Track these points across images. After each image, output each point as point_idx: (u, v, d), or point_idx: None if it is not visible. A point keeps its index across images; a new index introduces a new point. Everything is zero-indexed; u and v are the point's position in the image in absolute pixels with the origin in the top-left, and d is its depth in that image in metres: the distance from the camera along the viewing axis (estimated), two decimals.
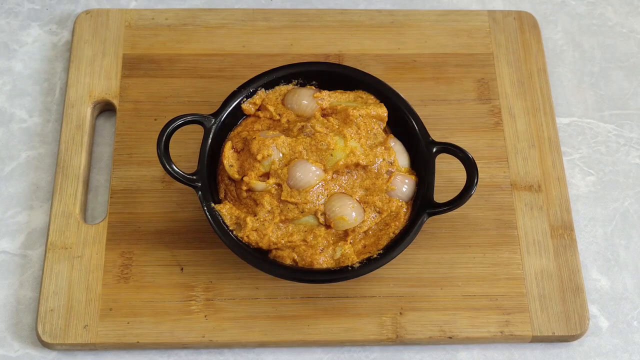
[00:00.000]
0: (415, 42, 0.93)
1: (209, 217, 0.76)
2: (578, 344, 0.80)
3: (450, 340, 0.78)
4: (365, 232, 0.78)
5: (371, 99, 0.82)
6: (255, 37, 0.92)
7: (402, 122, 0.81)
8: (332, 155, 0.77)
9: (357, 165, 0.78)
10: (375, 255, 0.76)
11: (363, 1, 0.98)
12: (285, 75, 0.83)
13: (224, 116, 0.80)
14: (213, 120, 0.79)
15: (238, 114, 0.82)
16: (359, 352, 0.79)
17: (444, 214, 0.78)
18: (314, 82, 0.83)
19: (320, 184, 0.77)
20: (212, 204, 0.77)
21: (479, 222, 0.83)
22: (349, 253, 0.76)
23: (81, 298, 0.78)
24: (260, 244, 0.76)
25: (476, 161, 0.78)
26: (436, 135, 0.85)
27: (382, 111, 0.80)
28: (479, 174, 0.78)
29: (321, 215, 0.77)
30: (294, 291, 0.79)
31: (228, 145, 0.79)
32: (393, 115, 0.81)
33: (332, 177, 0.78)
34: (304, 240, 0.76)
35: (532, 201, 0.84)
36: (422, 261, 0.81)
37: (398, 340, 0.78)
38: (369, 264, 0.75)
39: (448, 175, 0.84)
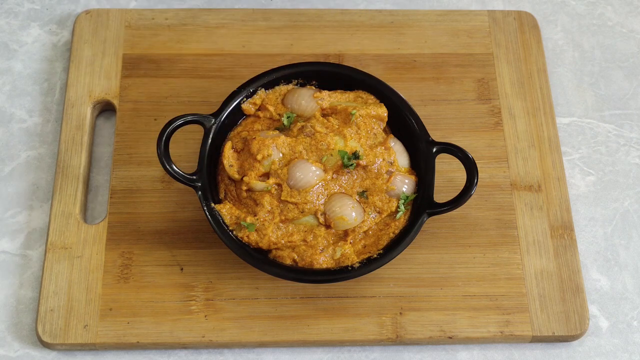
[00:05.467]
0: (415, 42, 0.93)
1: (209, 217, 0.76)
2: (578, 344, 0.80)
3: (450, 340, 0.78)
4: (365, 232, 0.78)
5: (371, 99, 0.82)
6: (255, 37, 0.92)
7: (402, 122, 0.81)
8: (332, 155, 0.77)
9: (357, 165, 0.78)
10: (375, 255, 0.76)
11: (363, 1, 0.98)
12: (285, 75, 0.83)
13: (224, 116, 0.80)
14: (213, 120, 0.79)
15: (238, 114, 0.82)
16: (359, 352, 0.79)
17: (444, 214, 0.78)
18: (314, 82, 0.83)
19: (320, 184, 0.77)
20: (212, 204, 0.77)
21: (479, 222, 0.83)
22: (349, 253, 0.76)
23: (81, 298, 0.78)
24: (260, 244, 0.76)
25: (476, 161, 0.78)
26: (436, 135, 0.85)
27: (382, 111, 0.80)
28: (479, 174, 0.78)
29: (321, 215, 0.77)
30: (294, 291, 0.79)
31: (228, 145, 0.79)
32: (393, 115, 0.81)
33: (332, 177, 0.78)
34: (304, 240, 0.76)
35: (532, 201, 0.84)
36: (422, 261, 0.81)
37: (398, 340, 0.78)
38: (369, 264, 0.75)
39: (448, 175, 0.84)
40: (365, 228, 0.77)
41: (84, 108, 0.87)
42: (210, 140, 0.79)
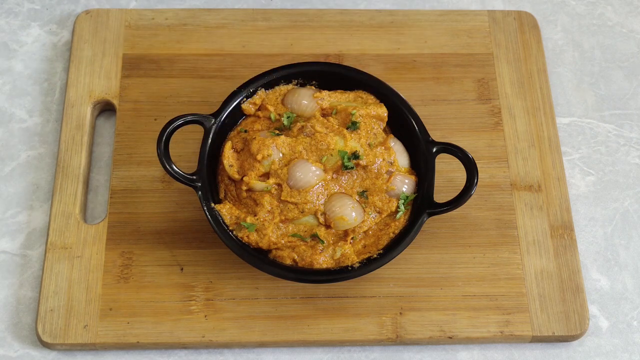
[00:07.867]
0: (415, 42, 0.93)
1: (209, 217, 0.76)
2: (578, 344, 0.80)
3: (450, 340, 0.78)
4: (365, 232, 0.78)
5: (371, 99, 0.82)
6: (255, 37, 0.92)
7: (402, 122, 0.81)
8: (332, 155, 0.77)
9: (357, 165, 0.78)
10: (375, 255, 0.76)
11: (363, 1, 0.98)
12: (285, 75, 0.83)
13: (224, 116, 0.80)
14: (213, 120, 0.79)
15: (238, 114, 0.82)
16: (359, 352, 0.79)
17: (444, 214, 0.78)
18: (314, 82, 0.83)
19: (320, 184, 0.77)
20: (212, 204, 0.77)
21: (479, 222, 0.83)
22: (349, 253, 0.76)
23: (81, 298, 0.78)
24: (260, 244, 0.76)
25: (476, 161, 0.78)
26: (436, 135, 0.85)
27: (382, 111, 0.80)
28: (479, 174, 0.78)
29: (321, 215, 0.77)
30: (294, 291, 0.79)
31: (228, 145, 0.79)
32: (393, 115, 0.81)
33: (332, 177, 0.78)
34: (304, 240, 0.76)
35: (532, 201, 0.84)
36: (422, 261, 0.81)
37: (398, 340, 0.78)
38: (369, 264, 0.75)
39: (448, 175, 0.84)
40: (365, 228, 0.77)
41: (84, 108, 0.87)
42: (210, 140, 0.79)
